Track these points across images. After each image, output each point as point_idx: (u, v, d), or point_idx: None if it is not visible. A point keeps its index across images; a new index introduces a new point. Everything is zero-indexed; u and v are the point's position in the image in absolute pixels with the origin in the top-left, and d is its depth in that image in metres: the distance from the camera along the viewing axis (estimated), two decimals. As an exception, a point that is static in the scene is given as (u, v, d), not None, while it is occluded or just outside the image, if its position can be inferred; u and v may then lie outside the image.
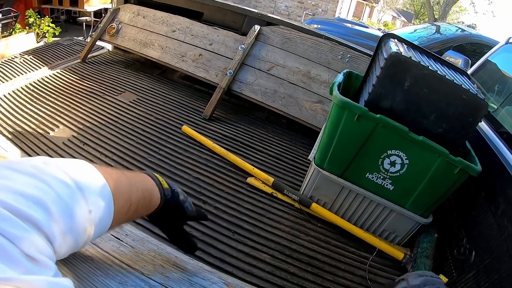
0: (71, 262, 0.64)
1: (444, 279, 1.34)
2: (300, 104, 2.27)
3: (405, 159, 1.44)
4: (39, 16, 6.41)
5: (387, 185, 1.52)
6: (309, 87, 2.30)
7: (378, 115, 1.38)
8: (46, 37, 6.13)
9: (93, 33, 3.04)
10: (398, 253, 1.55)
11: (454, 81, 1.37)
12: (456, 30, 6.23)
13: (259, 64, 2.41)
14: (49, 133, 1.99)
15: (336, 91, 1.49)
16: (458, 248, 1.50)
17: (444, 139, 1.39)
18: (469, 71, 3.05)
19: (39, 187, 0.44)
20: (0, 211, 0.38)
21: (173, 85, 2.76)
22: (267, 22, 2.54)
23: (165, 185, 0.74)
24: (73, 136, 1.99)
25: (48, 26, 6.21)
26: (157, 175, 0.75)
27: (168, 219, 0.77)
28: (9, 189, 0.41)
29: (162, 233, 0.83)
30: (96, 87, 2.53)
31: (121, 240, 0.80)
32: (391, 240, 1.63)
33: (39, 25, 6.21)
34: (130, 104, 2.37)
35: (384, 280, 1.46)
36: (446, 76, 1.37)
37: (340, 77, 1.74)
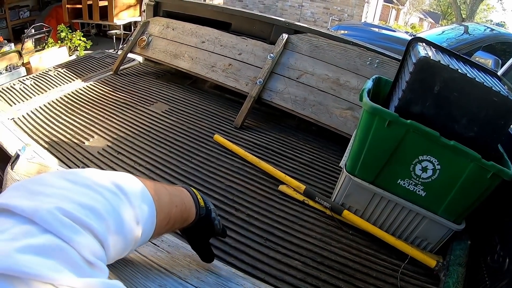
0: (114, 265, 0.68)
1: None
2: (330, 111, 2.26)
3: (437, 164, 1.41)
4: (70, 31, 6.62)
5: (419, 191, 1.49)
6: (338, 94, 2.29)
7: (408, 121, 1.36)
8: (78, 50, 6.33)
9: (124, 45, 3.12)
10: (431, 261, 1.51)
11: (484, 83, 1.34)
12: (485, 30, 6.07)
13: (288, 72, 2.42)
14: (84, 143, 2.06)
15: (366, 98, 1.48)
16: (491, 255, 1.46)
17: (476, 143, 1.36)
18: (500, 72, 2.97)
19: (95, 198, 0.48)
20: (62, 219, 0.42)
21: (204, 95, 2.80)
22: (295, 30, 2.55)
23: (202, 203, 0.78)
24: (108, 145, 2.05)
25: (80, 40, 6.42)
26: (196, 192, 0.79)
27: (196, 234, 0.80)
28: (68, 199, 0.45)
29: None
30: (128, 98, 2.60)
31: (158, 246, 0.84)
32: (423, 247, 1.60)
33: (70, 39, 6.43)
34: (162, 114, 2.42)
35: None
36: (476, 79, 1.34)
37: (369, 83, 1.73)
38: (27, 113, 2.32)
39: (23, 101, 2.47)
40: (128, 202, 0.53)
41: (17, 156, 1.02)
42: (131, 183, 0.56)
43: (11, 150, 1.69)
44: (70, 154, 1.95)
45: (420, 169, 1.45)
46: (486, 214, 1.68)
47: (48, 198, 0.44)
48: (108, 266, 0.65)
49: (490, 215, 1.66)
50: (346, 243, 1.60)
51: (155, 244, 0.84)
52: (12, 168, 1.00)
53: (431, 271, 1.51)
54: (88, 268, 0.42)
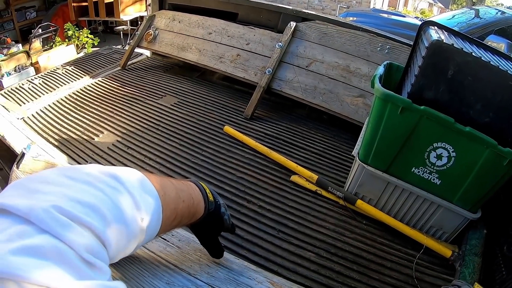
0: (119, 264, 0.66)
1: None
2: (341, 99, 2.23)
3: (452, 151, 1.37)
4: (77, 29, 6.65)
5: (433, 179, 1.46)
6: (349, 82, 2.25)
7: (422, 107, 1.32)
8: (85, 48, 6.35)
9: (131, 41, 3.10)
10: (446, 251, 1.48)
11: (500, 67, 1.28)
12: (496, 13, 5.92)
13: (297, 60, 2.38)
14: (93, 139, 2.07)
15: (377, 84, 1.44)
16: (508, 245, 1.43)
17: (492, 129, 1.31)
18: (514, 56, 2.90)
19: (95, 195, 0.46)
20: (59, 218, 0.40)
21: (213, 87, 2.78)
22: (303, 18, 2.50)
23: (211, 198, 0.76)
24: (117, 141, 2.05)
25: (87, 37, 6.45)
26: (205, 186, 0.77)
27: (205, 229, 0.78)
28: (67, 197, 0.43)
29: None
30: (137, 92, 2.59)
31: (168, 241, 0.82)
32: (439, 237, 1.57)
33: (78, 37, 6.46)
34: (171, 107, 2.41)
35: (432, 279, 1.41)
36: (491, 62, 1.28)
37: (380, 69, 1.68)
38: (36, 112, 2.34)
39: (32, 100, 2.49)
40: (128, 193, 0.50)
41: (23, 155, 1.01)
42: (132, 175, 0.54)
43: (18, 149, 1.69)
44: (80, 151, 1.96)
45: (434, 157, 1.41)
46: (502, 202, 1.64)
47: (46, 196, 0.43)
48: (113, 264, 0.63)
49: (506, 204, 1.62)
50: (360, 234, 1.58)
51: (165, 239, 0.82)
52: (17, 167, 0.99)
53: (447, 261, 1.48)
54: (87, 269, 0.40)
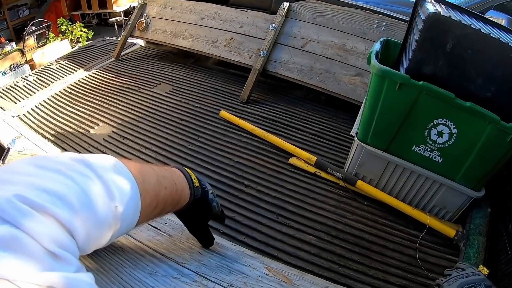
0: (99, 255, 0.62)
1: (485, 270, 1.24)
2: (338, 79, 2.19)
3: (453, 128, 1.33)
4: (70, 23, 6.61)
5: (435, 157, 1.42)
6: (346, 60, 2.20)
7: (421, 82, 1.28)
8: (80, 42, 6.31)
9: (124, 31, 3.07)
10: (450, 230, 1.46)
11: (500, 39, 1.23)
12: (496, -13, 5.83)
13: (292, 41, 2.34)
14: (89, 131, 2.06)
15: (374, 60, 1.40)
16: (513, 223, 1.40)
17: (494, 104, 1.26)
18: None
19: (64, 182, 0.43)
20: (21, 207, 0.37)
21: (208, 72, 2.75)
22: (296, -2, 2.45)
23: (196, 184, 0.72)
24: (113, 131, 2.04)
25: (81, 31, 6.40)
26: (190, 172, 0.73)
27: (192, 216, 0.75)
28: (32, 186, 0.41)
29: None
30: (131, 82, 2.57)
31: (159, 229, 0.79)
32: (442, 217, 1.54)
33: (71, 31, 6.41)
34: (166, 95, 2.39)
35: (436, 259, 1.39)
36: (491, 34, 1.23)
37: (377, 46, 1.63)
38: (31, 109, 2.33)
39: (27, 97, 2.49)
40: (100, 181, 0.47)
41: (8, 150, 0.99)
42: (106, 162, 0.51)
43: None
44: (76, 144, 1.96)
45: (435, 134, 1.37)
46: (506, 179, 1.60)
47: (13, 186, 0.40)
48: (92, 255, 0.60)
49: (511, 181, 1.58)
50: (361, 215, 1.56)
51: (156, 228, 0.78)
52: (3, 162, 0.96)
53: (451, 241, 1.46)
54: (51, 261, 0.37)
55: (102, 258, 0.63)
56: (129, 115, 2.18)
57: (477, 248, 1.37)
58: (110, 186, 0.48)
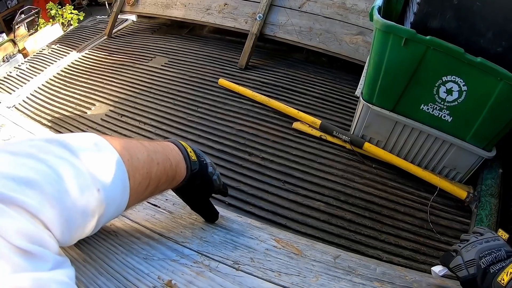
0: (87, 242, 0.58)
1: (504, 235, 1.18)
2: (339, 39, 2.11)
3: (463, 85, 1.27)
4: (60, 7, 6.51)
5: (444, 116, 1.37)
6: (346, 19, 2.12)
7: (428, 37, 1.21)
8: (71, 24, 6.23)
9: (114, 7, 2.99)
10: (461, 192, 1.42)
11: None
12: None
13: (289, 2, 2.25)
14: (86, 113, 2.02)
15: (377, 15, 1.32)
16: (525, 184, 1.35)
17: (505, 60, 1.19)
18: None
19: (35, 168, 0.38)
20: None
21: (204, 41, 2.68)
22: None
23: (193, 157, 0.66)
24: (110, 110, 2.01)
25: (71, 13, 6.31)
26: (185, 144, 0.67)
27: (192, 192, 0.70)
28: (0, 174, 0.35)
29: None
30: (125, 58, 2.52)
31: (159, 207, 0.73)
32: (452, 178, 1.50)
33: (61, 14, 6.32)
34: (162, 68, 2.34)
35: (448, 222, 1.37)
36: None
37: (379, 0, 1.55)
38: (26, 97, 2.31)
39: (22, 86, 2.46)
40: (78, 161, 0.42)
41: None
42: (85, 140, 0.46)
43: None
44: (73, 127, 1.93)
45: (444, 92, 1.31)
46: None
47: None
48: (79, 244, 0.56)
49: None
50: (370, 178, 1.52)
51: (156, 205, 0.73)
52: None
53: (462, 203, 1.43)
54: (21, 259, 0.33)
55: (91, 246, 0.57)
56: (125, 92, 2.14)
57: (490, 210, 1.35)
58: (91, 167, 0.43)
